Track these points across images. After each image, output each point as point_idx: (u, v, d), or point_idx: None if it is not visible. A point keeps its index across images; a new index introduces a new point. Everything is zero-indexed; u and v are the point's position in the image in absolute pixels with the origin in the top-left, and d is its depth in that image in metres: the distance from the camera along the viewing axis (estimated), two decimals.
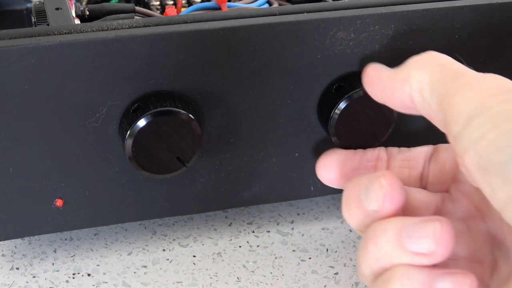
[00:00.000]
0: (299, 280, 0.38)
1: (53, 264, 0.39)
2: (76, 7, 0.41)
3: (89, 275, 0.38)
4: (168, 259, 0.40)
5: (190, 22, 0.35)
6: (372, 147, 0.38)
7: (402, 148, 0.34)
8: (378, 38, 0.37)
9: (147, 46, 0.34)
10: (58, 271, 0.39)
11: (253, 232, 0.42)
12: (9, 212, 0.36)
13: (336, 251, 0.40)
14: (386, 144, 0.39)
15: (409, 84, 0.28)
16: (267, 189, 0.40)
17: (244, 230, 0.42)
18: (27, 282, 0.38)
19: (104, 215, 0.38)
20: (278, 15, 0.36)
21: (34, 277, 0.38)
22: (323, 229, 0.42)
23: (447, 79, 0.26)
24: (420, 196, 0.30)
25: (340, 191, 0.42)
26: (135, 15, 0.43)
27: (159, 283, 0.38)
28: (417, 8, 0.37)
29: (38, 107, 0.33)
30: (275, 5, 0.46)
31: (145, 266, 0.39)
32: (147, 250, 0.40)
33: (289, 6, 0.38)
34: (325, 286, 0.38)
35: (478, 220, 0.29)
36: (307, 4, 0.38)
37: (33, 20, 0.40)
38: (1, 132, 0.34)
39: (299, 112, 0.38)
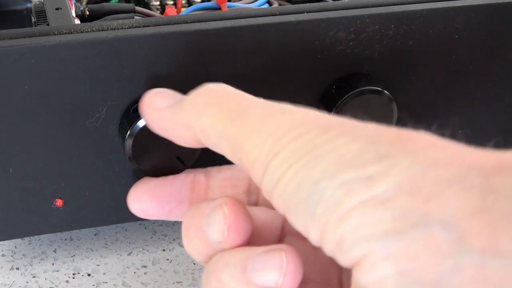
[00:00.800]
0: None
1: (53, 264, 0.39)
2: (76, 7, 0.41)
3: (89, 275, 0.38)
4: (168, 259, 0.40)
5: (190, 22, 0.35)
6: None
7: (222, 167, 0.31)
8: (378, 38, 0.37)
9: (147, 46, 0.34)
10: (58, 271, 0.39)
11: None
12: (9, 212, 0.36)
13: None
14: None
15: (193, 132, 0.26)
16: None
17: None
18: (27, 282, 0.38)
19: (104, 215, 0.38)
20: (278, 15, 0.36)
21: (34, 277, 0.38)
22: None
23: (230, 124, 0.24)
24: (262, 215, 0.28)
25: None
26: (135, 15, 0.43)
27: (159, 283, 0.38)
28: (417, 8, 0.37)
29: (38, 107, 0.33)
30: (275, 5, 0.46)
31: (145, 266, 0.39)
32: (147, 250, 0.40)
33: (289, 6, 0.38)
34: None
35: None
36: (307, 4, 0.38)
37: (33, 20, 0.40)
38: (1, 132, 0.34)
39: None
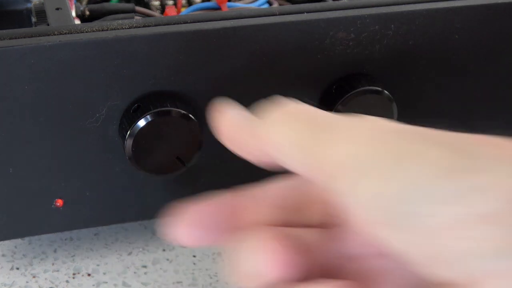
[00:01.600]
0: None
1: (53, 264, 0.39)
2: (76, 7, 0.41)
3: (89, 275, 0.38)
4: (168, 259, 0.40)
5: (190, 22, 0.35)
6: None
7: (266, 186, 0.29)
8: (378, 38, 0.37)
9: (147, 46, 0.34)
10: (58, 271, 0.39)
11: None
12: (9, 212, 0.36)
13: None
14: None
15: (272, 147, 0.25)
16: None
17: None
18: (27, 282, 0.38)
19: (104, 215, 0.38)
20: (278, 15, 0.36)
21: (34, 277, 0.38)
22: None
23: (315, 137, 0.23)
24: (308, 236, 0.26)
25: None
26: (135, 15, 0.43)
27: (159, 283, 0.38)
28: (417, 8, 0.37)
29: (38, 107, 0.33)
30: (275, 5, 0.46)
31: (145, 266, 0.39)
32: (147, 250, 0.40)
33: (289, 6, 0.38)
34: None
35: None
36: (307, 4, 0.38)
37: (33, 20, 0.40)
38: (1, 132, 0.34)
39: None
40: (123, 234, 0.41)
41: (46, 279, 0.38)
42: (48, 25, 0.37)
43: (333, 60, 0.37)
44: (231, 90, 0.36)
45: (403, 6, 0.37)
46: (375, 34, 0.37)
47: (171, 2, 0.47)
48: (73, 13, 0.40)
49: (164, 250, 0.40)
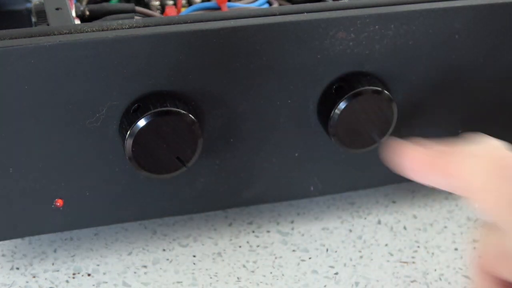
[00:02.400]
0: (299, 280, 0.38)
1: (53, 264, 0.39)
2: (76, 7, 0.41)
3: (89, 275, 0.38)
4: (168, 259, 0.40)
5: (190, 22, 0.35)
6: (372, 147, 0.38)
7: None
8: (378, 38, 0.37)
9: (147, 46, 0.34)
10: (58, 271, 0.39)
11: (253, 232, 0.42)
12: (9, 212, 0.36)
13: (336, 251, 0.40)
14: (386, 145, 0.39)
15: (467, 193, 0.25)
16: (267, 189, 0.40)
17: (244, 230, 0.42)
18: (27, 282, 0.38)
19: (104, 215, 0.38)
20: (278, 15, 0.36)
21: (34, 277, 0.38)
22: (323, 229, 0.42)
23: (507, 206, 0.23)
24: None
25: (339, 191, 0.42)
26: (135, 15, 0.43)
27: (159, 283, 0.38)
28: (417, 8, 0.37)
29: (38, 107, 0.33)
30: (275, 5, 0.45)
31: (145, 266, 0.39)
32: (147, 250, 0.40)
33: (289, 6, 0.38)
34: (325, 286, 0.38)
35: None
36: (307, 4, 0.38)
37: (33, 20, 0.40)
38: (1, 132, 0.34)
39: (299, 112, 0.38)
40: (123, 234, 0.41)
41: (46, 279, 0.38)
42: (48, 25, 0.37)
43: (333, 60, 0.37)
44: (231, 90, 0.36)
45: (403, 6, 0.37)
46: (375, 34, 0.37)
47: (171, 2, 0.47)
48: (73, 13, 0.40)
49: (164, 250, 0.40)
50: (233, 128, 0.37)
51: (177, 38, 0.34)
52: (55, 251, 0.40)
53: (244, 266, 0.39)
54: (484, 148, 0.26)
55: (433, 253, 0.40)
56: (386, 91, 0.37)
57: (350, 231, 0.42)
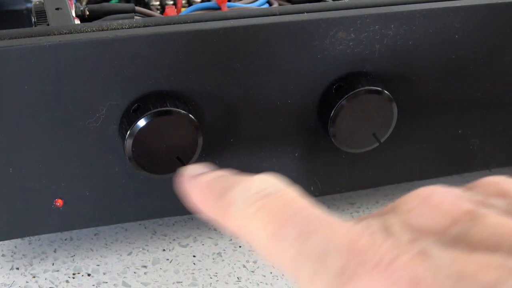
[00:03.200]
0: None
1: (53, 264, 0.39)
2: (76, 7, 0.41)
3: (89, 275, 0.38)
4: (168, 259, 0.40)
5: (190, 22, 0.35)
6: (372, 147, 0.38)
7: None
8: (378, 38, 0.37)
9: (147, 46, 0.34)
10: (58, 271, 0.39)
11: None
12: (9, 212, 0.36)
13: None
14: (386, 144, 0.39)
15: (245, 238, 0.23)
16: None
17: None
18: (27, 282, 0.38)
19: (104, 215, 0.38)
20: (278, 15, 0.36)
21: (34, 277, 0.38)
22: None
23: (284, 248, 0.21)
24: None
25: (339, 191, 0.42)
26: (135, 15, 0.43)
27: (159, 283, 0.38)
28: (417, 8, 0.37)
29: (38, 107, 0.33)
30: (275, 5, 0.46)
31: (145, 266, 0.39)
32: (147, 250, 0.40)
33: (289, 6, 0.38)
34: None
35: None
36: (307, 4, 0.38)
37: (33, 20, 0.40)
38: (1, 132, 0.34)
39: (299, 112, 0.38)
40: (123, 234, 0.41)
41: (46, 279, 0.38)
42: (48, 25, 0.37)
43: (333, 60, 0.37)
44: (231, 90, 0.36)
45: (403, 6, 0.37)
46: (375, 34, 0.37)
47: (171, 2, 0.47)
48: (73, 13, 0.40)
49: (164, 250, 0.40)
50: (233, 128, 0.37)
51: (177, 38, 0.34)
52: (55, 251, 0.40)
53: (244, 266, 0.39)
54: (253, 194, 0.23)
55: None
56: (386, 91, 0.37)
57: None
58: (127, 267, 0.39)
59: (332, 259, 0.20)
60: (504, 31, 0.39)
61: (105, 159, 0.36)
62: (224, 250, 0.40)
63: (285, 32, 0.35)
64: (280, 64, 0.36)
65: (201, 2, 0.47)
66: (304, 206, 0.22)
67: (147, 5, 0.48)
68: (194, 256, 0.40)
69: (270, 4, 0.46)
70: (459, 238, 0.20)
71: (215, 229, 0.42)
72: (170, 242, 0.41)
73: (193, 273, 0.38)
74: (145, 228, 0.42)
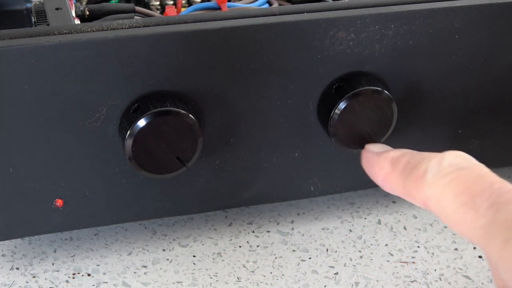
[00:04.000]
0: (299, 280, 0.38)
1: (53, 264, 0.39)
2: (76, 7, 0.41)
3: (89, 275, 0.38)
4: (168, 259, 0.40)
5: (190, 22, 0.35)
6: None
7: None
8: (378, 38, 0.37)
9: (147, 46, 0.34)
10: (58, 271, 0.39)
11: (253, 232, 0.42)
12: (9, 212, 0.36)
13: (336, 251, 0.40)
14: (386, 144, 0.39)
15: (435, 209, 0.24)
16: (267, 189, 0.40)
17: (244, 230, 0.42)
18: (27, 282, 0.38)
19: (104, 215, 0.38)
20: (278, 15, 0.36)
21: (34, 277, 0.38)
22: (323, 229, 0.42)
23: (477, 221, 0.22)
24: None
25: (339, 191, 0.42)
26: (135, 15, 0.43)
27: (159, 283, 0.38)
28: (417, 8, 0.37)
29: (38, 107, 0.33)
30: (275, 5, 0.46)
31: (145, 266, 0.39)
32: (147, 250, 0.40)
33: (289, 6, 0.38)
34: (325, 286, 0.38)
35: None
36: (307, 4, 0.38)
37: (33, 20, 0.40)
38: (1, 132, 0.34)
39: (299, 112, 0.38)
40: (123, 234, 0.41)
41: (46, 279, 0.38)
42: (48, 25, 0.37)
43: (333, 60, 0.37)
44: (231, 90, 0.36)
45: (403, 6, 0.37)
46: (375, 34, 0.37)
47: (171, 2, 0.47)
48: (73, 13, 0.40)
49: (164, 250, 0.40)
50: (233, 128, 0.37)
51: (177, 38, 0.34)
52: (55, 251, 0.40)
53: (244, 266, 0.39)
54: (449, 167, 0.25)
55: (433, 253, 0.40)
56: (386, 91, 0.37)
57: (350, 231, 0.42)
58: (127, 267, 0.39)
59: None
60: (504, 31, 0.39)
61: (105, 159, 0.36)
62: (224, 250, 0.40)
63: (285, 32, 0.35)
64: (280, 64, 0.36)
65: (201, 2, 0.47)
66: (496, 180, 0.23)
67: (147, 5, 0.48)
68: (194, 256, 0.40)
69: (270, 4, 0.46)
70: None
71: (215, 229, 0.42)
72: (170, 242, 0.41)
73: (193, 273, 0.38)
74: (145, 228, 0.42)
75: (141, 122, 0.34)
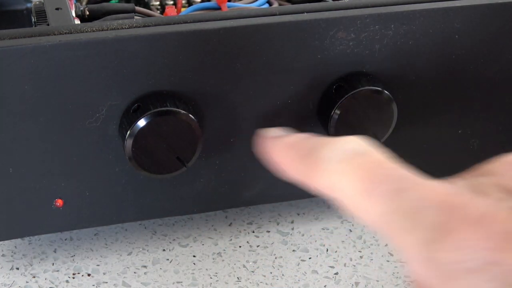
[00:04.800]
0: (299, 280, 0.38)
1: (53, 264, 0.39)
2: (76, 7, 0.41)
3: (89, 275, 0.38)
4: (168, 259, 0.40)
5: (190, 22, 0.35)
6: None
7: None
8: (378, 38, 0.37)
9: (147, 46, 0.34)
10: (58, 271, 0.39)
11: (253, 232, 0.42)
12: (9, 212, 0.36)
13: (336, 251, 0.40)
14: (386, 144, 0.39)
15: (334, 194, 0.24)
16: (267, 189, 0.40)
17: (244, 230, 0.42)
18: (27, 282, 0.38)
19: (104, 215, 0.38)
20: (278, 15, 0.36)
21: (34, 277, 0.38)
22: (323, 229, 0.42)
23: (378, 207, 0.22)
24: None
25: None
26: (135, 15, 0.43)
27: (159, 283, 0.38)
28: (417, 8, 0.37)
29: (38, 107, 0.33)
30: (275, 5, 0.45)
31: (145, 266, 0.39)
32: (147, 250, 0.40)
33: (289, 6, 0.38)
34: (325, 286, 0.38)
35: None
36: (307, 4, 0.38)
37: (33, 20, 0.40)
38: (1, 132, 0.34)
39: (299, 112, 0.38)
40: (123, 234, 0.41)
41: (46, 279, 0.38)
42: (48, 25, 0.37)
43: (333, 60, 0.37)
44: (231, 90, 0.36)
45: (403, 6, 0.37)
46: (375, 34, 0.37)
47: (171, 2, 0.47)
48: (73, 13, 0.40)
49: (164, 250, 0.40)
50: (233, 128, 0.37)
51: (177, 38, 0.34)
52: (55, 251, 0.40)
53: (244, 266, 0.39)
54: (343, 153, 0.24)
55: None
56: (386, 91, 0.37)
57: (350, 231, 0.42)
58: (127, 267, 0.39)
59: (428, 214, 0.20)
60: (504, 31, 0.39)
61: (105, 159, 0.36)
62: (224, 250, 0.40)
63: (285, 32, 0.35)
64: (280, 64, 0.36)
65: (201, 2, 0.47)
66: (396, 167, 0.23)
67: (147, 5, 0.48)
68: (194, 256, 0.40)
69: (270, 4, 0.46)
70: None
71: (215, 229, 0.42)
72: (170, 242, 0.41)
73: (193, 273, 0.39)
74: (145, 228, 0.42)
75: (141, 122, 0.34)
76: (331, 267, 0.39)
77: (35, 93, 0.33)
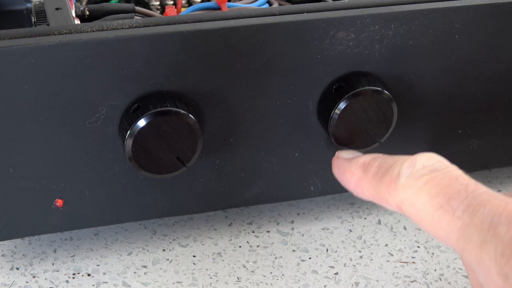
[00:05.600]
0: (299, 280, 0.38)
1: (53, 264, 0.39)
2: (76, 7, 0.41)
3: (89, 275, 0.38)
4: (168, 259, 0.40)
5: (190, 22, 0.35)
6: (372, 147, 0.38)
7: None
8: (378, 38, 0.37)
9: (147, 46, 0.34)
10: (58, 271, 0.39)
11: (253, 232, 0.42)
12: (9, 212, 0.36)
13: (336, 251, 0.40)
14: (386, 144, 0.39)
15: (410, 214, 0.24)
16: (267, 189, 0.40)
17: (244, 230, 0.42)
18: (27, 282, 0.38)
19: (104, 215, 0.38)
20: (278, 15, 0.36)
21: (34, 277, 0.38)
22: (323, 229, 0.42)
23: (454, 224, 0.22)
24: None
25: (339, 191, 0.42)
26: (135, 15, 0.43)
27: (159, 283, 0.38)
28: (417, 8, 0.37)
29: (38, 107, 0.33)
30: (275, 5, 0.46)
31: (145, 266, 0.39)
32: (147, 250, 0.40)
33: (289, 6, 0.38)
34: (325, 286, 0.38)
35: None
36: (307, 4, 0.38)
37: (33, 20, 0.40)
38: (1, 132, 0.34)
39: (299, 112, 0.38)
40: (123, 234, 0.41)
41: (46, 279, 0.38)
42: (48, 25, 0.37)
43: (333, 60, 0.37)
44: (231, 90, 0.36)
45: (403, 6, 0.37)
46: (375, 34, 0.37)
47: (171, 2, 0.47)
48: (73, 13, 0.40)
49: (164, 250, 0.40)
50: (233, 128, 0.37)
51: (177, 38, 0.34)
52: (55, 251, 0.40)
53: (244, 266, 0.39)
54: (422, 172, 0.24)
55: (433, 253, 0.40)
56: (386, 91, 0.37)
57: (350, 231, 0.42)
58: (127, 267, 0.39)
59: (505, 229, 0.21)
60: (504, 31, 0.39)
61: (105, 159, 0.36)
62: (224, 250, 0.40)
63: (285, 32, 0.35)
64: (280, 64, 0.36)
65: (201, 2, 0.47)
66: (470, 182, 0.23)
67: (147, 5, 0.48)
68: (194, 256, 0.40)
69: (270, 4, 0.46)
70: None
71: (215, 229, 0.42)
72: (170, 242, 0.41)
73: (193, 273, 0.39)
74: (145, 228, 0.42)
75: (141, 122, 0.34)
76: (331, 267, 0.39)
77: (35, 93, 0.33)
